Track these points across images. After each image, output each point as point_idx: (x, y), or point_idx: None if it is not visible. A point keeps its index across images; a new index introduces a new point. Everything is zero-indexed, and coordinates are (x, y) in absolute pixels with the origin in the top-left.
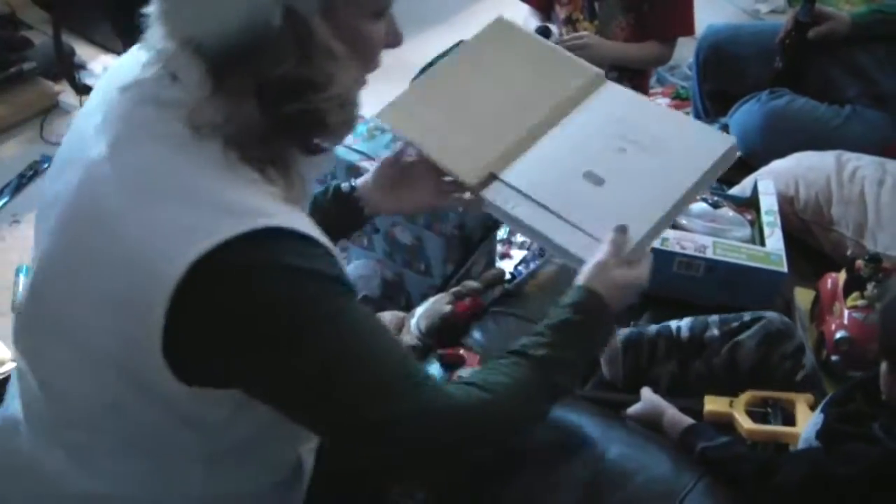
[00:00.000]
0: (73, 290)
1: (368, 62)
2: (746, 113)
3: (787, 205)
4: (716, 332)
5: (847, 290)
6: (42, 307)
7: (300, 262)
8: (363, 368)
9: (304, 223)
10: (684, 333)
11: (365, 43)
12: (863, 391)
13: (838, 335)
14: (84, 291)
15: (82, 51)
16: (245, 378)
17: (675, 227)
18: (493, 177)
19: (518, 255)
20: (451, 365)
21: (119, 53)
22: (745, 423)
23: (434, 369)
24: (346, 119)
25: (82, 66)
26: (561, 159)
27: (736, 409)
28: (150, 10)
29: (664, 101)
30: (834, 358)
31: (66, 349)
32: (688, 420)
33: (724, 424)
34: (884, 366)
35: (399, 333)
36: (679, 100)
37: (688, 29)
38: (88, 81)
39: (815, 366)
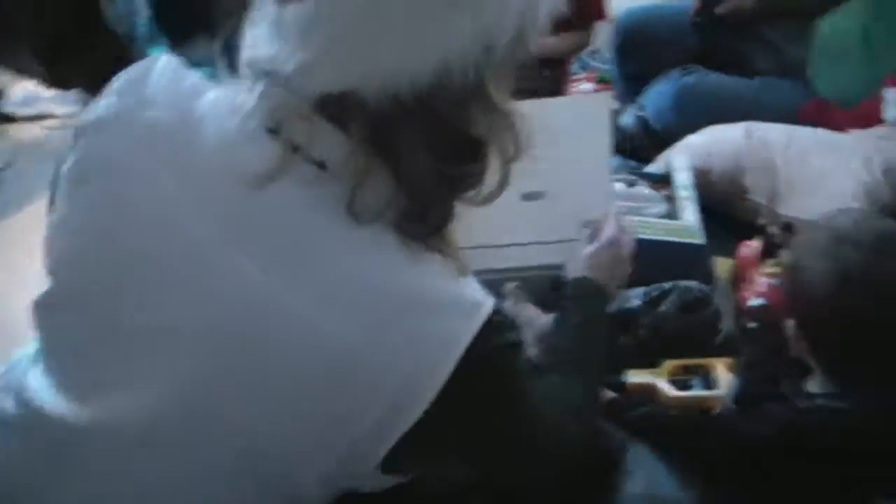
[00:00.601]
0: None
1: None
2: (659, 92)
3: (702, 178)
4: (637, 302)
5: (764, 258)
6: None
7: (512, 335)
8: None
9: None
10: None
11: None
12: (775, 352)
13: (755, 302)
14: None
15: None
16: (451, 448)
17: None
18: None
19: None
20: None
21: (39, 79)
22: (667, 392)
23: None
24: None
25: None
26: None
27: (658, 380)
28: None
29: (588, 87)
30: (752, 325)
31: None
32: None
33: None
34: (791, 324)
35: None
36: (603, 83)
37: (601, 13)
38: (8, 110)
39: (732, 329)
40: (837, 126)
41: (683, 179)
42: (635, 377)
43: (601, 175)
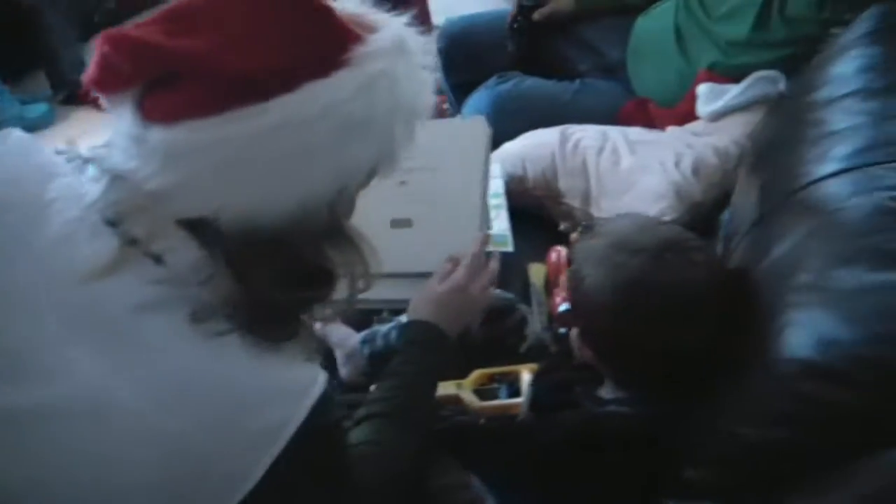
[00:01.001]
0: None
1: None
2: (476, 101)
3: (517, 184)
4: None
5: (569, 262)
6: None
7: (337, 413)
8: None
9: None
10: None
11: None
12: (565, 359)
13: (562, 307)
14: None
15: None
16: None
17: None
18: None
19: None
20: None
21: None
22: (472, 402)
23: None
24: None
25: None
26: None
27: (463, 391)
28: (131, 165)
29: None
30: (562, 330)
31: None
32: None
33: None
34: (574, 330)
35: None
36: (440, 94)
37: (425, 24)
38: None
39: (539, 336)
40: (657, 125)
41: (495, 188)
42: (440, 389)
43: (473, 205)
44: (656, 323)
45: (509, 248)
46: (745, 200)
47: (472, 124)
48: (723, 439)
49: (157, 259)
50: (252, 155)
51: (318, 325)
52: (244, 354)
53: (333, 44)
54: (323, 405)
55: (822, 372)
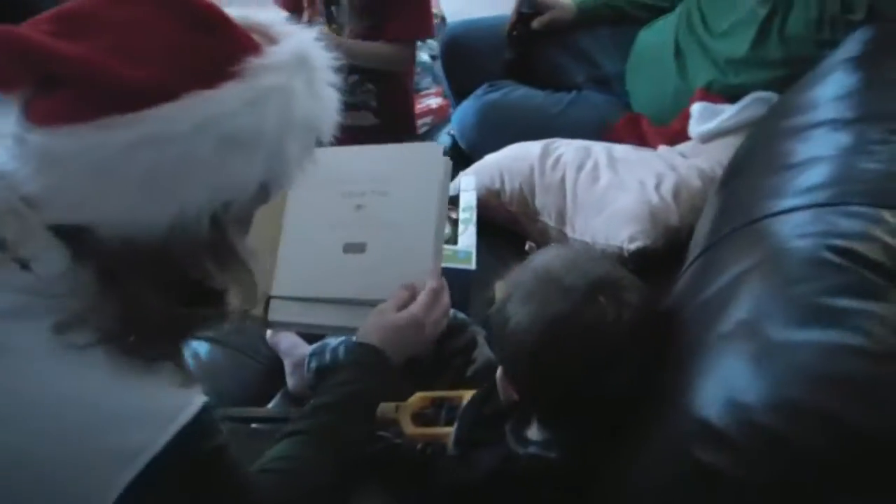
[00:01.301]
0: None
1: None
2: (463, 110)
3: (493, 198)
4: None
5: None
6: None
7: (216, 440)
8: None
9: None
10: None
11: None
12: (491, 394)
13: None
14: None
15: None
16: None
17: None
18: (268, 298)
19: None
20: None
21: None
22: (406, 427)
23: None
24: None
25: None
26: (312, 248)
27: (401, 414)
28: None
29: (436, 101)
30: None
31: None
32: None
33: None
34: (499, 371)
35: None
36: (445, 99)
37: (426, 31)
38: None
39: (490, 360)
40: (649, 142)
41: (466, 201)
42: (379, 411)
43: (426, 233)
44: (580, 365)
45: (472, 265)
46: (701, 227)
47: (428, 149)
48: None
49: (24, 265)
50: (125, 164)
51: (268, 333)
52: (108, 372)
53: (223, 55)
54: (195, 432)
55: (715, 436)
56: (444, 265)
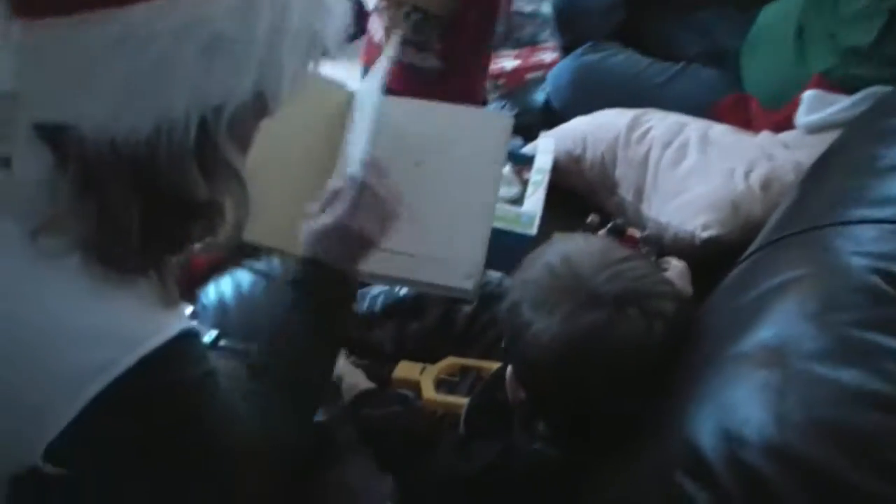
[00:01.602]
0: None
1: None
2: (558, 70)
3: (572, 164)
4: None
5: None
6: None
7: (195, 370)
8: (230, 450)
9: (177, 315)
10: (403, 290)
11: (247, 147)
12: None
13: None
14: None
15: None
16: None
17: None
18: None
19: None
20: None
21: None
22: (426, 391)
23: None
24: (238, 225)
25: None
26: None
27: (424, 377)
28: None
29: (550, 56)
30: None
31: None
32: (363, 385)
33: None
34: (509, 370)
35: None
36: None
37: None
38: None
39: None
40: (753, 126)
41: (541, 163)
42: (402, 371)
43: (483, 203)
44: (603, 385)
45: (532, 231)
46: (767, 225)
47: (496, 118)
48: None
49: (5, 162)
50: (106, 61)
51: None
52: (79, 286)
53: None
54: (164, 360)
55: (703, 467)
56: (503, 227)
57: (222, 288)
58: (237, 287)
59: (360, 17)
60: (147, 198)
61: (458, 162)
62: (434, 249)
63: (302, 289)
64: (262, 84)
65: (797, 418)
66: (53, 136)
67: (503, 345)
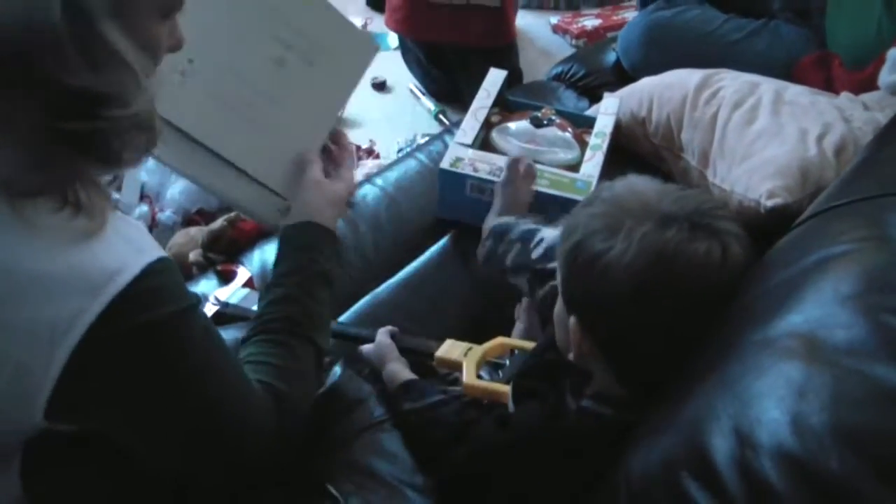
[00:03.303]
0: None
1: (153, 67)
2: (630, 26)
3: (638, 127)
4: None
5: None
6: None
7: (159, 312)
8: (225, 387)
9: (139, 250)
10: (537, 252)
11: (153, 46)
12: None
13: None
14: None
15: None
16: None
17: (485, 146)
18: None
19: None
20: (223, 278)
21: None
22: (468, 375)
23: (209, 282)
24: (149, 136)
25: None
26: (221, 78)
27: (468, 360)
28: None
29: (632, 15)
30: None
31: None
32: (405, 376)
33: None
34: (571, 320)
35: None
36: None
37: None
38: None
39: None
40: (835, 87)
41: (602, 125)
42: (445, 351)
43: (326, 118)
44: (681, 302)
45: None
46: (829, 188)
47: (363, 41)
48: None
49: None
50: None
51: None
52: (19, 232)
53: None
54: (142, 296)
55: (710, 470)
56: (555, 192)
57: (266, 255)
58: None
59: None
60: (39, 104)
61: (317, 74)
62: (259, 171)
63: (311, 252)
64: None
65: (815, 422)
66: None
67: (562, 295)
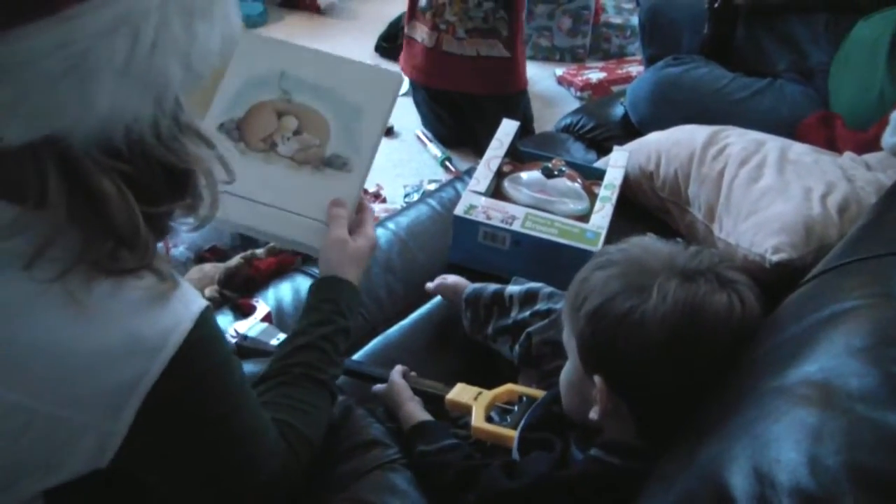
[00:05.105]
0: None
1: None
2: (640, 81)
3: (645, 180)
4: (527, 313)
5: None
6: None
7: (211, 361)
8: (248, 426)
9: (187, 303)
10: (514, 311)
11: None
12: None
13: None
14: None
15: None
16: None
17: (497, 195)
18: None
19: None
20: (240, 313)
21: None
22: (476, 419)
23: (224, 318)
24: (213, 198)
25: None
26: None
27: (477, 404)
28: None
29: (636, 70)
30: None
31: None
32: (419, 417)
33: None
34: (597, 380)
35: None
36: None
37: None
38: None
39: None
40: (837, 147)
41: (611, 178)
42: (457, 394)
43: (361, 156)
44: (711, 354)
45: (597, 247)
46: (837, 246)
47: (385, 74)
48: None
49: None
50: (102, 53)
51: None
52: (82, 309)
53: None
54: (196, 349)
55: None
56: (566, 242)
57: (281, 293)
58: (295, 292)
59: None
60: (128, 186)
61: (340, 114)
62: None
63: (337, 306)
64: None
65: (831, 463)
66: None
67: (581, 358)
